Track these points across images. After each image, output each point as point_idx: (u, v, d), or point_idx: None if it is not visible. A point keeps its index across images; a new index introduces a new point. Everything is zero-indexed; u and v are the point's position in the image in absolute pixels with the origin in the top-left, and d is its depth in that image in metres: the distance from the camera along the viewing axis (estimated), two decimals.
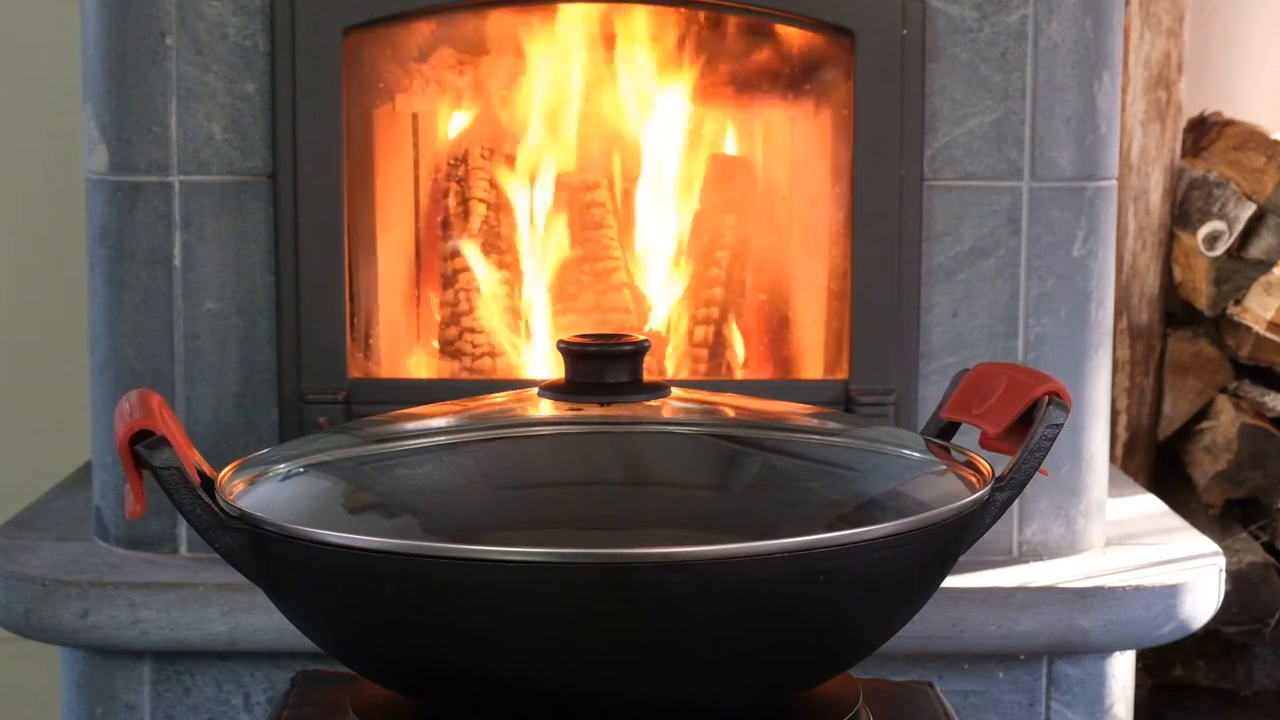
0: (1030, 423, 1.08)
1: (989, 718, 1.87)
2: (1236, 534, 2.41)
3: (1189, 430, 2.49)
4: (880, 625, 1.05)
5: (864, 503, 1.03)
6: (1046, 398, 1.08)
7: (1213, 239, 2.39)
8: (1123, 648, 1.89)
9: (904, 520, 0.99)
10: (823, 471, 1.06)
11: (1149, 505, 2.14)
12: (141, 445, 1.00)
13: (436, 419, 1.12)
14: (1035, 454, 1.08)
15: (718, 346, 1.99)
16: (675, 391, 1.11)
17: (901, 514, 1.00)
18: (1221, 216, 2.39)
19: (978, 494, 1.05)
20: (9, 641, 2.13)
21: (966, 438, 1.14)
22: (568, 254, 1.99)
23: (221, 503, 1.03)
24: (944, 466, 1.08)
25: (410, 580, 0.95)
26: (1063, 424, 1.08)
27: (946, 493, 1.04)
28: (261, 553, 1.01)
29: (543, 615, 0.94)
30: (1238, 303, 2.40)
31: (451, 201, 1.98)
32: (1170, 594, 1.85)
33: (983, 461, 1.09)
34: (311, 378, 1.88)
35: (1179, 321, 2.54)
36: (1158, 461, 2.54)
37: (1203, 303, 2.43)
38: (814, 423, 1.14)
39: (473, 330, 1.98)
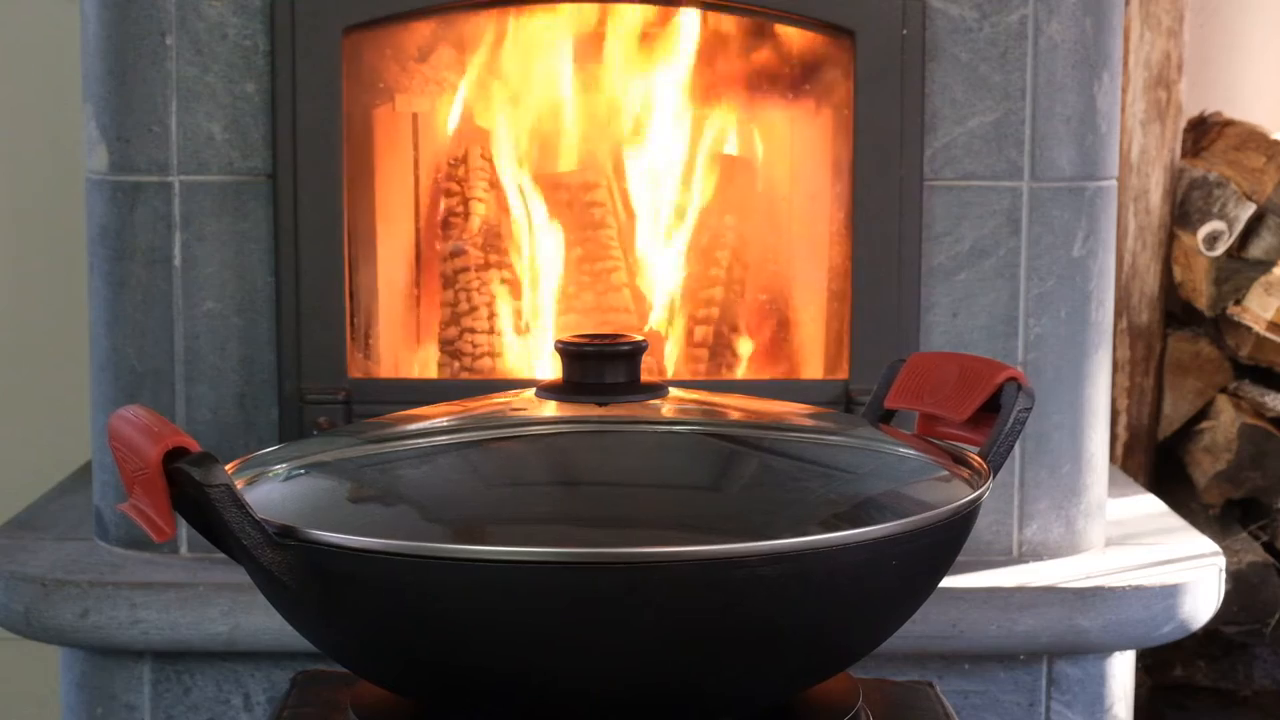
0: (993, 409, 1.10)
1: (989, 718, 1.87)
2: (1236, 534, 2.41)
3: (1189, 430, 2.49)
4: (880, 625, 1.05)
5: (863, 501, 1.03)
6: (1014, 383, 1.09)
7: (1213, 239, 2.39)
8: (1123, 648, 1.89)
9: (907, 519, 0.99)
10: (821, 471, 1.06)
11: (1149, 505, 2.13)
12: (185, 462, 0.94)
13: (436, 419, 1.12)
14: (1009, 438, 1.10)
15: (717, 346, 1.99)
16: (674, 392, 1.12)
17: (902, 513, 1.00)
18: (1221, 216, 2.39)
19: (980, 490, 1.05)
20: (9, 641, 2.13)
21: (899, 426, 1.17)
22: (568, 254, 1.99)
23: (267, 520, 0.98)
24: (942, 465, 1.08)
25: (416, 582, 0.95)
26: (1032, 407, 1.09)
27: (946, 490, 1.04)
28: (316, 569, 0.97)
29: (542, 615, 0.94)
30: (1238, 303, 2.40)
31: (451, 201, 1.98)
32: (1170, 594, 1.85)
33: (976, 458, 1.10)
34: (311, 378, 1.88)
35: (1179, 321, 2.54)
36: (1158, 461, 2.54)
37: (1203, 303, 2.42)
38: (813, 423, 1.15)
39: (473, 330, 1.98)
